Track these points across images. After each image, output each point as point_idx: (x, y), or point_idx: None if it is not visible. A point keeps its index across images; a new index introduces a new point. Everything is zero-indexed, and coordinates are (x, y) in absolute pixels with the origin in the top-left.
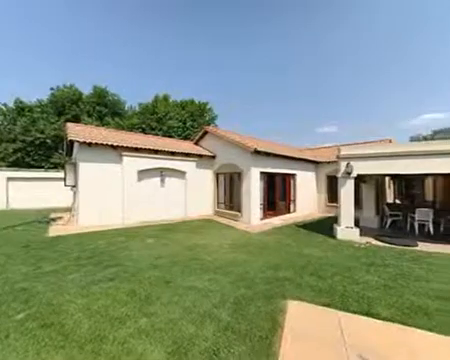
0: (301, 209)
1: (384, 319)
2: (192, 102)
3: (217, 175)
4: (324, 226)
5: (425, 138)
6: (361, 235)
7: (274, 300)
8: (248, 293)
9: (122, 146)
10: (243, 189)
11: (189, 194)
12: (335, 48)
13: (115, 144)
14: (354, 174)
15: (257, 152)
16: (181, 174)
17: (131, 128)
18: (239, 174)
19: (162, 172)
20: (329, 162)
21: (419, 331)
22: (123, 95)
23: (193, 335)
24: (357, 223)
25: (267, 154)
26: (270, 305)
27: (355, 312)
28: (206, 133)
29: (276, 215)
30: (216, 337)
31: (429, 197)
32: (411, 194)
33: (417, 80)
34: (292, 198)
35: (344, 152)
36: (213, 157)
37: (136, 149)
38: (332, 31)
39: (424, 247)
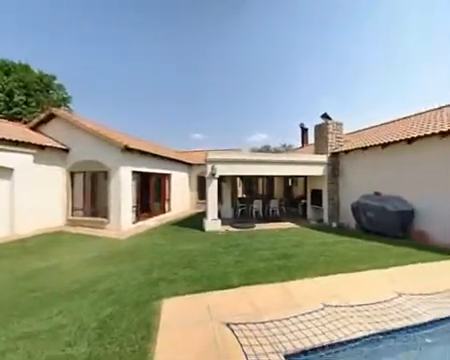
0: (176, 208)
1: (236, 286)
2: (27, 68)
3: (72, 174)
4: (195, 221)
5: (259, 151)
6: (222, 224)
7: (148, 305)
8: (117, 309)
9: None
10: (111, 191)
11: (19, 201)
12: (216, 62)
13: None
14: (217, 175)
15: (129, 149)
16: (3, 172)
17: None
18: (105, 173)
19: None
20: (199, 164)
21: (255, 286)
22: None
23: None
24: (220, 215)
25: (141, 152)
26: (144, 312)
27: (219, 289)
28: (53, 117)
29: (151, 216)
30: None
31: (260, 192)
32: (251, 190)
33: (257, 107)
34: (167, 198)
35: (210, 156)
36: (66, 151)
37: None
38: (216, 44)
39: (258, 226)
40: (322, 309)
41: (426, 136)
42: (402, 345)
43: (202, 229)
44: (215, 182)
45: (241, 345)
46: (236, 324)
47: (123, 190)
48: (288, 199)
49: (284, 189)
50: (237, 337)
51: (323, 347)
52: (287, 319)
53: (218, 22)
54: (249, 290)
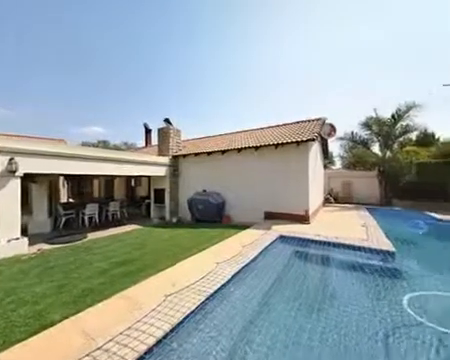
0: None
1: (59, 321)
2: None
3: None
4: None
5: (94, 145)
6: (31, 244)
7: None
8: None
9: None
10: None
11: None
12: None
13: None
14: (21, 173)
15: None
16: None
17: None
18: None
19: None
20: None
21: (88, 309)
22: None
23: None
24: (26, 231)
25: None
26: None
27: (22, 339)
28: None
29: None
30: None
31: (96, 194)
32: (82, 192)
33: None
34: None
35: (5, 145)
36: None
37: None
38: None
39: (93, 236)
40: (164, 300)
41: (231, 150)
42: (218, 300)
43: None
44: (15, 183)
45: None
46: None
47: None
48: (131, 200)
49: (126, 189)
50: None
51: (166, 335)
52: (129, 328)
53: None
54: (80, 318)
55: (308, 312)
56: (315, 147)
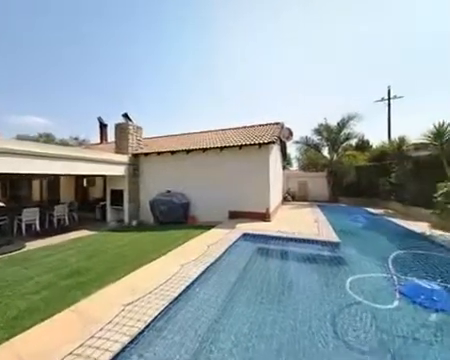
0: None
1: None
2: None
3: None
4: None
5: (36, 139)
6: None
7: None
8: None
9: None
10: None
11: None
12: None
13: None
14: None
15: None
16: None
17: None
18: None
19: None
20: None
21: (27, 332)
22: None
23: None
24: None
25: None
26: None
27: None
28: None
29: None
30: None
31: (37, 197)
32: (18, 195)
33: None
34: None
35: None
36: None
37: None
38: None
39: (32, 246)
40: (122, 310)
41: (196, 150)
42: (183, 302)
43: None
44: None
45: None
46: None
47: None
48: (83, 202)
49: (77, 191)
50: None
51: (125, 347)
52: (81, 345)
53: None
54: (17, 341)
55: (270, 304)
56: (275, 149)
